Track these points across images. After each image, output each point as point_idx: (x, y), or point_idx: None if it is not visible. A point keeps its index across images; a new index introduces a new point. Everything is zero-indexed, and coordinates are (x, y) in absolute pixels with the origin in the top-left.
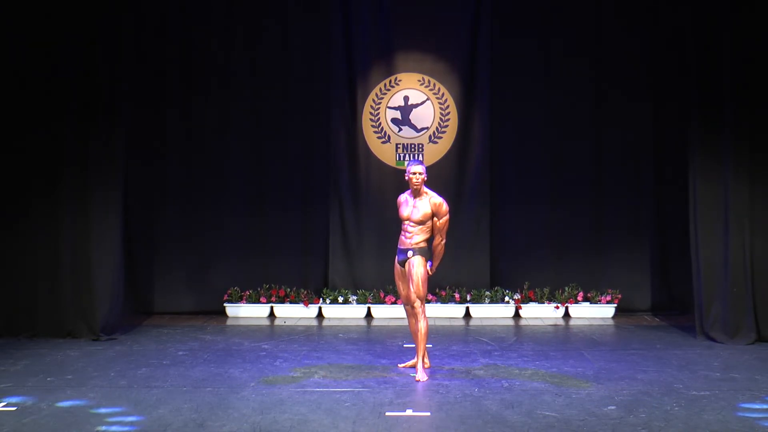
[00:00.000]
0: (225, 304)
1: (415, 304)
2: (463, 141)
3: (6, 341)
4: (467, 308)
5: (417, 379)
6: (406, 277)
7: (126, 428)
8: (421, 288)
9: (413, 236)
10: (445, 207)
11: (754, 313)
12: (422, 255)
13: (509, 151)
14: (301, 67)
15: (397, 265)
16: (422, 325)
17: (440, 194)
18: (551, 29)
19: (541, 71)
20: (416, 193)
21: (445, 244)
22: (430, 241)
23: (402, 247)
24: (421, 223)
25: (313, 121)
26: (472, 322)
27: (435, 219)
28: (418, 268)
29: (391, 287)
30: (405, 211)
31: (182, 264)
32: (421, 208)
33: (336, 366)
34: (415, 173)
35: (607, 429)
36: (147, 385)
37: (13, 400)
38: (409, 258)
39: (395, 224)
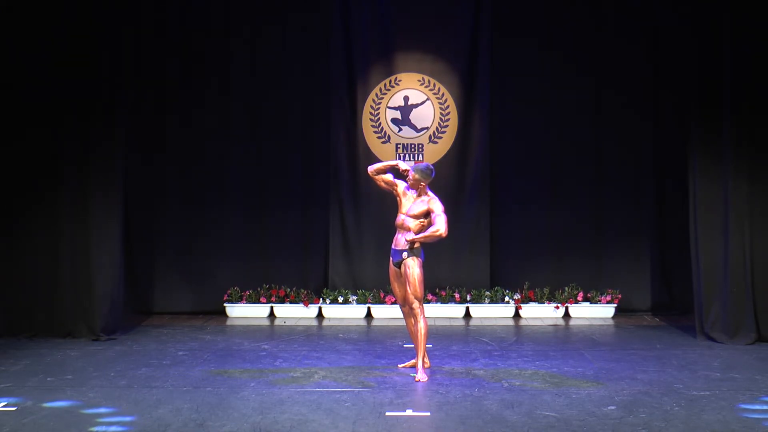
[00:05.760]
0: (225, 304)
1: (414, 305)
2: (463, 141)
3: (6, 341)
4: (467, 308)
5: (417, 379)
6: (402, 278)
7: (126, 428)
8: (418, 289)
9: (409, 232)
10: (439, 205)
11: (754, 314)
12: (416, 255)
13: (509, 151)
14: (301, 67)
15: (392, 266)
16: (422, 326)
17: (438, 196)
18: (551, 28)
19: (541, 71)
20: (416, 190)
21: (445, 243)
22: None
23: (397, 248)
24: (417, 218)
25: (313, 121)
26: (472, 322)
27: (431, 215)
28: (413, 269)
29: (390, 287)
30: (404, 206)
31: (182, 264)
32: (420, 206)
33: (336, 366)
34: (412, 176)
35: (607, 429)
36: (147, 385)
37: (13, 400)
38: (404, 259)
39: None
